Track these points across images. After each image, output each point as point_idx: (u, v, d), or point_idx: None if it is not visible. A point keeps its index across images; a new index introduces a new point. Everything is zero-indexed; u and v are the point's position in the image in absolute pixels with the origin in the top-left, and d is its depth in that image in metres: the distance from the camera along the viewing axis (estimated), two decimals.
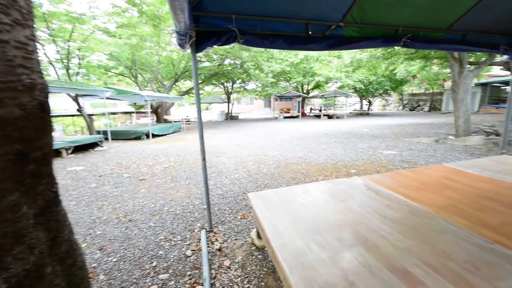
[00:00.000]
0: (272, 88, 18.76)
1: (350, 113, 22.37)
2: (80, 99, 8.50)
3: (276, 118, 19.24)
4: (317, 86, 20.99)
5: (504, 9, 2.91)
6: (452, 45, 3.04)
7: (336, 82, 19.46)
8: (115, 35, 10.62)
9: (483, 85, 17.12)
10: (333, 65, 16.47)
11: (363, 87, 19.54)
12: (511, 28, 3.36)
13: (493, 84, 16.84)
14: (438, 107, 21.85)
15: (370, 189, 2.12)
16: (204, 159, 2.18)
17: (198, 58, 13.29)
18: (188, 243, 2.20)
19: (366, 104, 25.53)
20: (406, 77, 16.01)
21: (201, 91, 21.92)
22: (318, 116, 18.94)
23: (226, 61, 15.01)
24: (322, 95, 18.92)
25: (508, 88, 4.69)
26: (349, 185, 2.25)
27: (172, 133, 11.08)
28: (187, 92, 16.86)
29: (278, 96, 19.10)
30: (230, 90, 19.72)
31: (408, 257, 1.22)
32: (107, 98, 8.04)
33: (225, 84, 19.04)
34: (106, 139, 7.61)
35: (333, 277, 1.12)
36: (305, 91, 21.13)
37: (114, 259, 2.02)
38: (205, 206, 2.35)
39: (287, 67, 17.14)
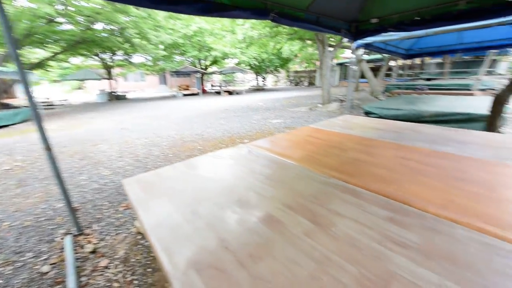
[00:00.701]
0: (165, 63, 16.86)
1: (249, 88, 23.82)
2: None
3: (175, 96, 17.77)
4: (215, 62, 20.67)
5: None
6: (309, 24, 3.60)
7: (233, 58, 19.85)
8: None
9: (340, 64, 22.35)
10: (226, 40, 16.50)
11: (257, 64, 20.99)
12: (348, 15, 4.34)
13: (346, 64, 22.31)
14: (314, 83, 26.96)
15: (253, 154, 2.32)
16: (48, 148, 1.64)
17: (50, 18, 9.79)
18: (44, 257, 1.70)
19: (262, 80, 27.93)
20: (290, 56, 18.44)
21: (66, 64, 16.84)
22: (218, 93, 19.01)
23: (99, 26, 11.91)
24: (221, 71, 18.96)
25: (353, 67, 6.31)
26: (235, 153, 2.36)
27: (21, 122, 8.03)
28: (40, 64, 12.37)
29: (174, 72, 17.48)
30: (110, 64, 16.14)
31: (273, 203, 1.42)
32: None
33: (102, 55, 15.35)
34: None
35: (207, 240, 1.13)
36: (203, 67, 20.38)
37: None
38: (72, 207, 1.85)
39: (179, 39, 15.67)
